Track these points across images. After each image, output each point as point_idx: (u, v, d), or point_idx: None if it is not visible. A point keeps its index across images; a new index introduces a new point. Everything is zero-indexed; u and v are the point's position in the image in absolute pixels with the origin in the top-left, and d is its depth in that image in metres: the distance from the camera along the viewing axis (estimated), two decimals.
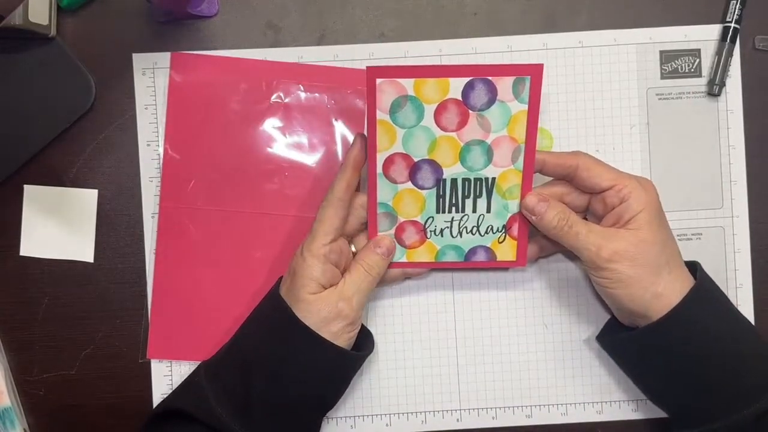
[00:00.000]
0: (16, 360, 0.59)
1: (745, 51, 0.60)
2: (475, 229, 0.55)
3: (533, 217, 0.53)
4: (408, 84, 0.50)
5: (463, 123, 0.52)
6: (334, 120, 0.59)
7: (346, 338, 0.53)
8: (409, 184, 0.54)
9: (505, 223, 0.55)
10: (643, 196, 0.52)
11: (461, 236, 0.55)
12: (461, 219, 0.55)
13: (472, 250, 0.56)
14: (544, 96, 0.59)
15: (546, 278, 0.60)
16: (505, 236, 0.55)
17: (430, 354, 0.60)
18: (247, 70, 0.58)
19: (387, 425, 0.60)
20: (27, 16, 0.54)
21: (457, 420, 0.60)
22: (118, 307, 0.59)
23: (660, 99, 0.60)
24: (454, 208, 0.54)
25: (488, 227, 0.55)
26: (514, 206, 0.54)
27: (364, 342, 0.56)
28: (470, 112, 0.51)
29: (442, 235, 0.55)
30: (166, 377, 0.59)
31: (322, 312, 0.51)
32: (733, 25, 0.58)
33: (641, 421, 0.60)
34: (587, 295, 0.60)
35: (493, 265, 0.56)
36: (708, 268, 0.60)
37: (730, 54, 0.59)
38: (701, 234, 0.60)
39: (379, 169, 0.53)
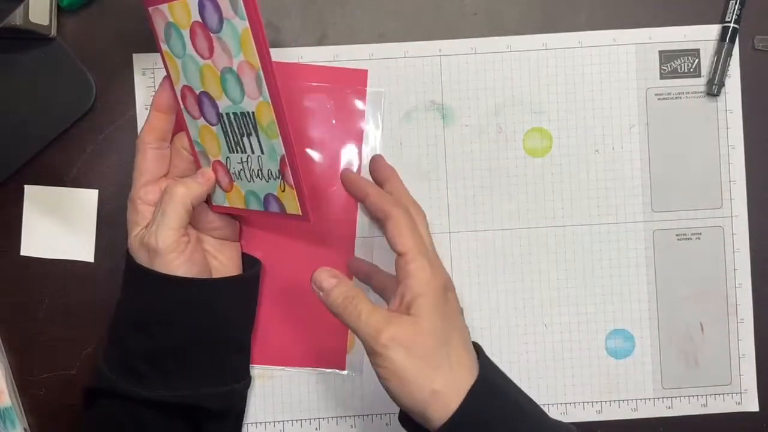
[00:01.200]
0: (16, 360, 0.59)
1: (745, 51, 0.60)
2: (260, 172, 0.50)
3: (320, 293, 0.50)
4: (165, 9, 0.48)
5: (211, 48, 0.47)
6: (333, 120, 0.59)
7: (177, 265, 0.51)
8: (203, 120, 0.51)
9: (278, 167, 0.49)
10: (425, 279, 0.48)
11: (253, 180, 0.51)
12: (247, 160, 0.50)
13: (266, 198, 0.51)
14: (544, 95, 0.59)
15: (546, 278, 0.60)
16: (283, 184, 0.49)
17: None
18: None
19: (387, 425, 0.60)
20: (27, 16, 0.54)
21: None
22: None
23: (659, 99, 0.60)
24: (238, 148, 0.50)
25: (268, 171, 0.50)
26: (279, 147, 0.48)
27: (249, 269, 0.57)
28: (212, 35, 0.47)
29: (241, 178, 0.52)
30: None
31: (139, 252, 0.52)
32: (732, 25, 0.59)
33: (641, 420, 0.60)
34: (587, 296, 0.60)
35: (286, 218, 0.51)
36: (707, 268, 0.60)
37: (729, 54, 0.59)
38: (700, 234, 0.60)
39: (181, 104, 0.52)
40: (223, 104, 0.49)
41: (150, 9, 0.50)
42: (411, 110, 0.59)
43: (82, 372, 0.59)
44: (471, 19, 0.59)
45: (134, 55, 0.59)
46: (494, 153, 0.60)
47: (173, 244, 0.51)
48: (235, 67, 0.47)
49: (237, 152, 0.51)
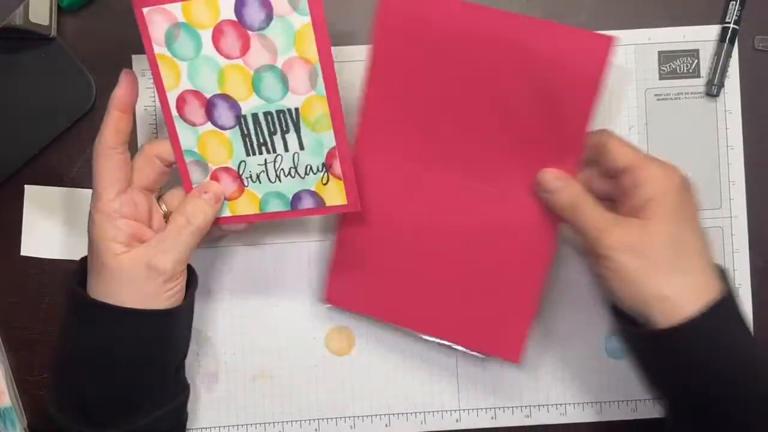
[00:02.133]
0: (16, 360, 0.59)
1: (744, 51, 0.60)
2: (293, 170, 0.49)
3: (545, 194, 0.49)
4: (176, 9, 0.46)
5: (246, 47, 0.46)
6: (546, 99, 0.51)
7: (166, 296, 0.48)
8: (209, 125, 0.49)
9: (323, 160, 0.49)
10: (658, 183, 0.46)
11: (280, 180, 0.50)
12: (275, 160, 0.49)
13: (297, 196, 0.50)
14: None
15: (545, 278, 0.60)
16: (327, 176, 0.49)
17: (429, 354, 0.60)
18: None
19: (386, 425, 0.60)
20: (27, 16, 0.54)
21: (457, 420, 0.60)
22: None
23: (658, 100, 0.60)
24: (264, 149, 0.49)
25: (307, 167, 0.49)
26: (328, 139, 0.48)
27: (189, 284, 0.52)
28: (249, 33, 0.46)
29: (260, 181, 0.50)
30: None
31: (132, 273, 0.47)
32: (732, 25, 0.59)
33: (641, 421, 0.60)
34: (588, 296, 0.60)
35: (324, 212, 0.50)
36: None
37: (728, 55, 0.59)
38: None
39: (174, 112, 0.49)
40: (250, 104, 0.48)
41: (145, 10, 0.47)
42: None
43: None
44: None
45: (133, 56, 0.59)
46: None
47: (181, 268, 0.49)
48: (279, 65, 0.47)
49: (260, 153, 0.50)
